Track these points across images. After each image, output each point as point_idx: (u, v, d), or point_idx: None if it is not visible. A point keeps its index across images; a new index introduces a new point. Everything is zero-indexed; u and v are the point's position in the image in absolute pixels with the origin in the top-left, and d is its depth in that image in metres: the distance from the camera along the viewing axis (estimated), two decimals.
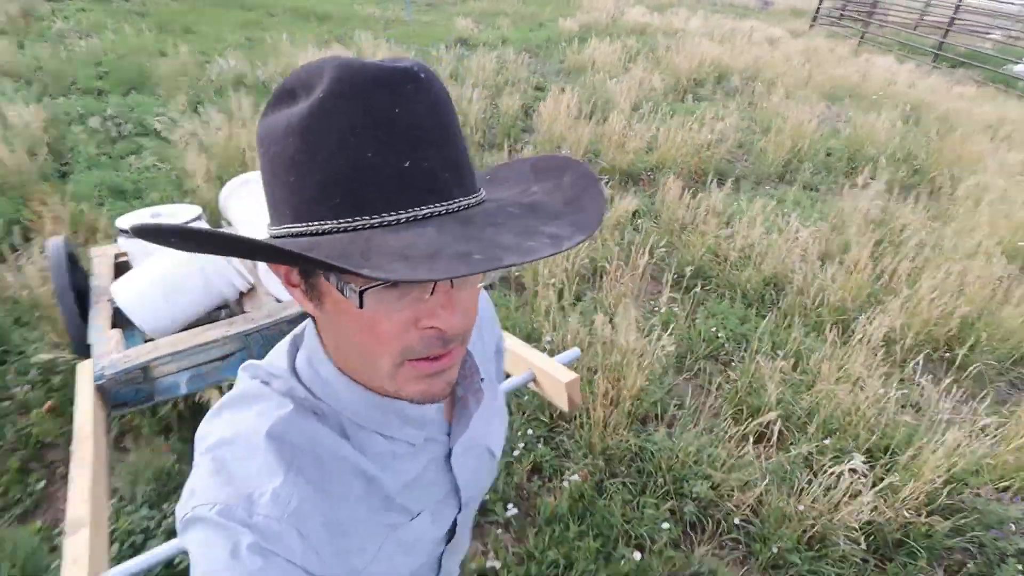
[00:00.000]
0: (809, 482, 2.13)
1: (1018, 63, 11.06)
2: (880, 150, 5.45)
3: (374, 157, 0.43)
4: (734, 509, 2.13)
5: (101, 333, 1.96)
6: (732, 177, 5.00)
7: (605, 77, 6.83)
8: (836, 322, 3.00)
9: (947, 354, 2.99)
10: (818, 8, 15.20)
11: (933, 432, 2.27)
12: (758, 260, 3.47)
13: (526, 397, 2.49)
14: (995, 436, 2.32)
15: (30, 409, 2.28)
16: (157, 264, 2.09)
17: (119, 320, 2.05)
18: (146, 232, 0.41)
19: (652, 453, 2.26)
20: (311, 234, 0.45)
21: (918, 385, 2.66)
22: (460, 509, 0.69)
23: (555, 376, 1.50)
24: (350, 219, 0.44)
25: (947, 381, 2.59)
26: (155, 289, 1.99)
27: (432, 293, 0.48)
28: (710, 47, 9.10)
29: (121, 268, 2.36)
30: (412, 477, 0.61)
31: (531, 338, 2.76)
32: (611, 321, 2.56)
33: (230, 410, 0.57)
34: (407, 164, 0.44)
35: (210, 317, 2.18)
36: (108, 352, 1.83)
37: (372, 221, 0.44)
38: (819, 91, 7.55)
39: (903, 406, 2.56)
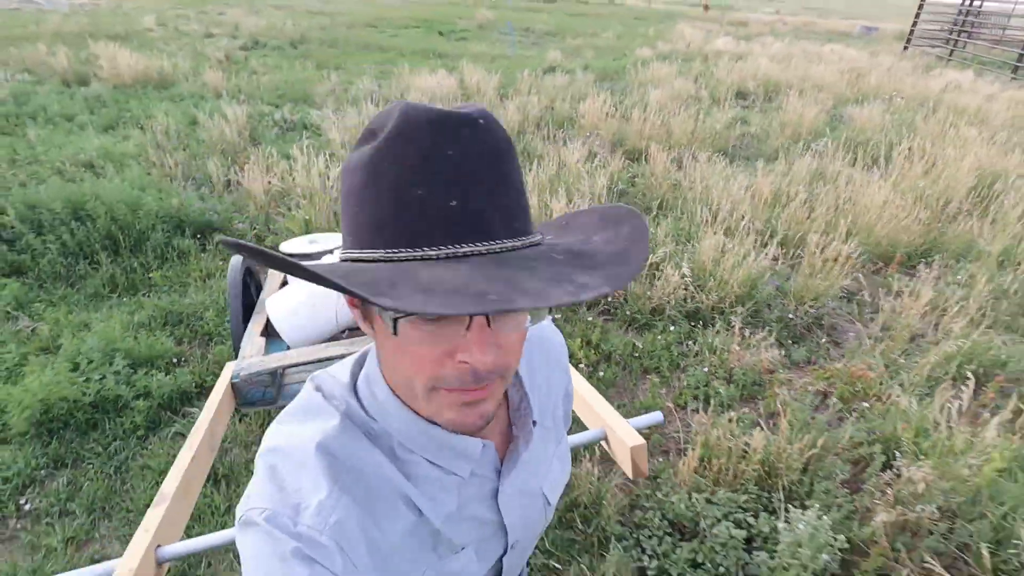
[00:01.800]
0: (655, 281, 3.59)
1: None
2: (868, 135, 6.52)
3: (423, 194, 0.47)
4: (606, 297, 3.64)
5: (250, 339, 2.20)
6: (734, 156, 6.36)
7: (650, 88, 8.40)
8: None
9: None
10: (910, 33, 15.56)
11: (744, 262, 3.62)
12: (704, 194, 4.88)
13: None
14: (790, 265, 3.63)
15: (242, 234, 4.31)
16: (305, 285, 2.27)
17: (270, 330, 2.29)
18: (228, 244, 0.46)
19: None
20: (357, 260, 0.51)
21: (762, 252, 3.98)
22: (506, 550, 0.71)
23: (623, 439, 1.49)
24: (395, 250, 0.48)
25: (781, 248, 3.89)
26: (299, 306, 2.19)
27: (468, 328, 0.50)
28: (768, 66, 10.32)
29: (285, 285, 2.64)
30: (455, 508, 0.64)
31: None
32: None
33: (291, 420, 0.62)
34: (453, 203, 0.47)
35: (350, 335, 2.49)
36: (250, 356, 2.05)
37: (414, 254, 0.48)
38: (846, 98, 8.57)
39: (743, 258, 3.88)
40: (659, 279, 3.66)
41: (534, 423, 0.72)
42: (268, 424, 2.31)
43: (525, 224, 0.53)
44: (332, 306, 2.23)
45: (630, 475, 1.52)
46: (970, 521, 2.09)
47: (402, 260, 0.48)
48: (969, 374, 2.48)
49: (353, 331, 2.42)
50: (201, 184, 5.29)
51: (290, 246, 2.64)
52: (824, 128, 7.00)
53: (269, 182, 5.18)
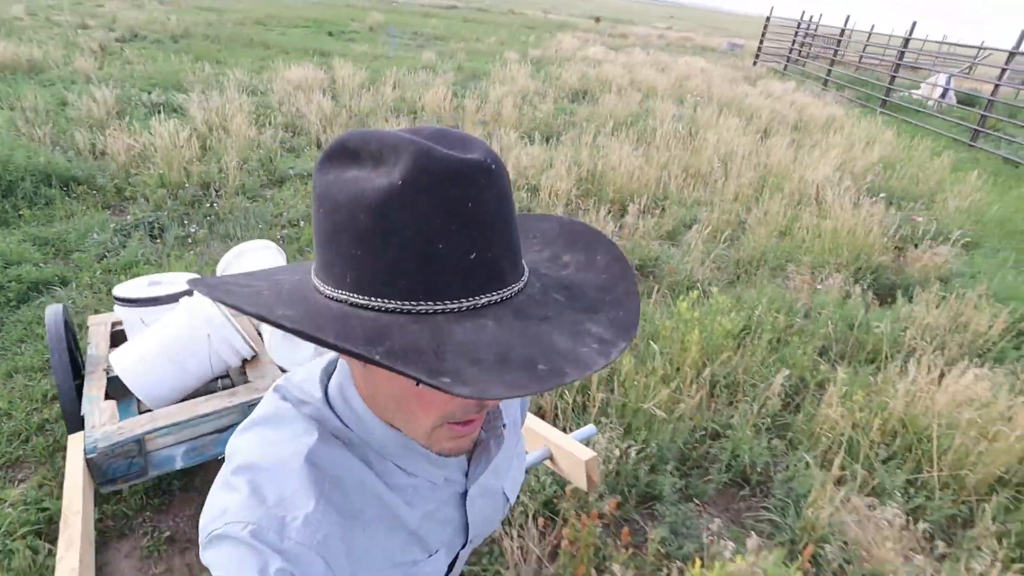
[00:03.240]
0: None
1: (902, 91, 13.84)
2: (658, 124, 8.37)
3: (445, 248, 0.48)
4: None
5: (95, 404, 1.95)
6: (551, 136, 8.01)
7: (497, 85, 10.01)
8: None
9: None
10: (758, 49, 18.32)
11: None
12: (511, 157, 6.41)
13: None
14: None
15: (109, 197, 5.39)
16: (158, 332, 2.09)
17: (113, 391, 2.08)
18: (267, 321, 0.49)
19: None
20: (375, 309, 0.50)
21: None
22: (464, 545, 0.78)
23: (574, 454, 1.53)
24: (412, 302, 0.49)
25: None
26: (158, 358, 1.99)
27: None
28: (616, 71, 12.26)
29: (117, 337, 2.41)
30: (429, 512, 0.69)
31: None
32: None
33: (262, 429, 0.63)
34: (473, 256, 0.49)
35: (207, 388, 2.20)
36: (101, 424, 1.82)
37: (436, 307, 0.49)
38: (659, 96, 10.58)
39: None
40: None
41: (504, 425, 0.75)
42: None
43: (521, 260, 0.56)
44: (200, 351, 2.04)
45: (585, 489, 1.57)
46: None
47: (424, 314, 0.49)
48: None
49: (223, 377, 2.29)
50: (68, 150, 6.28)
51: (125, 289, 2.37)
52: (628, 118, 8.82)
53: (131, 146, 6.24)
